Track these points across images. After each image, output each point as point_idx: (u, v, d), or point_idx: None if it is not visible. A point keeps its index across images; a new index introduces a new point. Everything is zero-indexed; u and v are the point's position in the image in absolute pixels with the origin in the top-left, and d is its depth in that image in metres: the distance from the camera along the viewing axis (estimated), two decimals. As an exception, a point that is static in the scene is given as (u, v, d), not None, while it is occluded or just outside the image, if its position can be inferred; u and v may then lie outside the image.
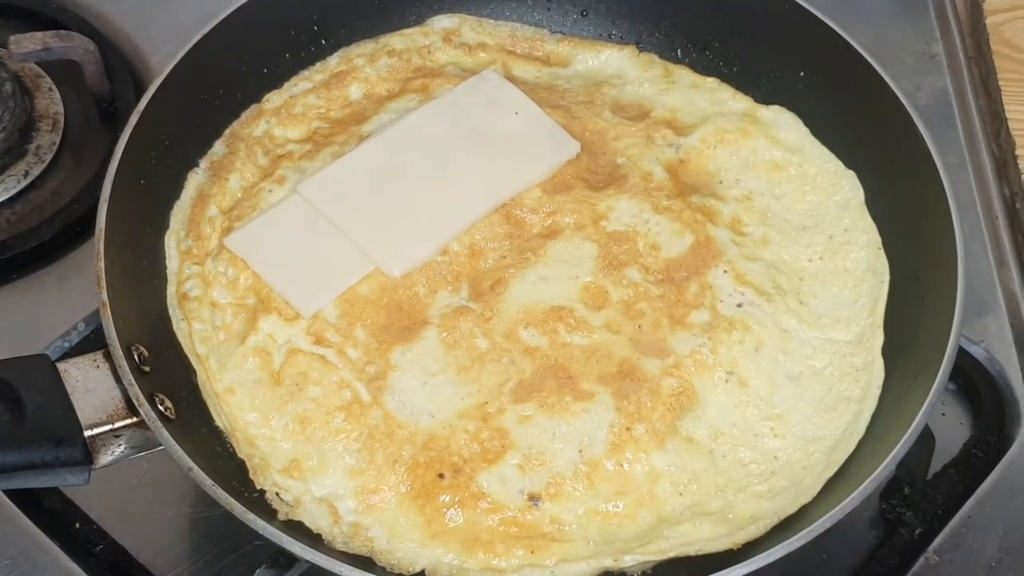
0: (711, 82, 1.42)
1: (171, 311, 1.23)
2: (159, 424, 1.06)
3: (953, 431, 1.39)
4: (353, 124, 1.35)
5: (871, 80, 1.31)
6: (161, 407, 1.09)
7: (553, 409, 1.15)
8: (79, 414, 1.06)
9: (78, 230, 1.46)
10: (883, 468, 1.06)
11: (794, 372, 1.20)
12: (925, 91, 1.65)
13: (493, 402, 1.16)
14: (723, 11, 1.43)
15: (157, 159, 1.27)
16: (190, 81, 1.30)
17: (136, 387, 1.07)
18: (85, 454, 1.06)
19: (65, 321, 1.38)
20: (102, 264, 1.14)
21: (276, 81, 1.39)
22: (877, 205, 1.31)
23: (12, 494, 1.26)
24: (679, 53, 1.46)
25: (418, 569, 1.09)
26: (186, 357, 1.20)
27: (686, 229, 1.27)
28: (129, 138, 1.22)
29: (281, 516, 1.10)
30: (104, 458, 1.09)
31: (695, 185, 1.32)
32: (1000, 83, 1.62)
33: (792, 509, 1.12)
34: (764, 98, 1.40)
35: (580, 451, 1.14)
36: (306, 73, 1.41)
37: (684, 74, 1.43)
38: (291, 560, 1.13)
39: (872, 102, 1.31)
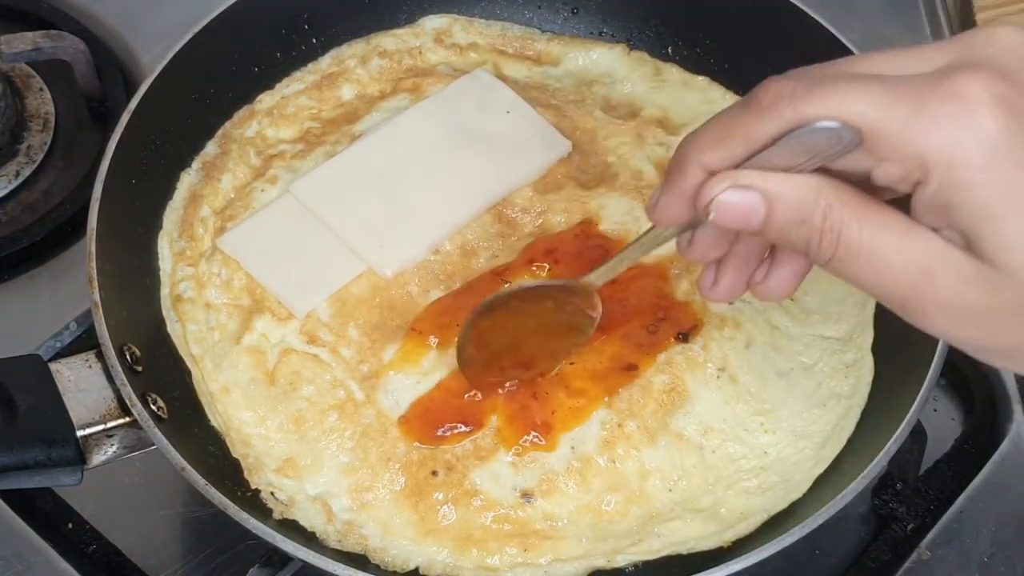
0: (702, 80, 1.42)
1: (164, 313, 1.22)
2: (152, 424, 1.06)
3: (945, 427, 1.39)
4: (345, 124, 1.35)
5: (861, 77, 1.31)
6: (154, 407, 1.09)
7: (545, 406, 1.16)
8: (71, 414, 1.06)
9: (69, 230, 1.46)
10: (875, 464, 1.07)
11: (784, 368, 1.20)
12: (915, 88, 1.65)
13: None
14: (714, 8, 1.42)
15: (149, 159, 1.27)
16: (181, 81, 1.29)
17: (128, 387, 1.07)
18: (78, 454, 1.06)
19: (57, 321, 1.38)
20: (94, 264, 1.14)
21: (268, 81, 1.39)
22: (868, 202, 1.31)
23: (4, 494, 1.26)
24: (670, 51, 1.46)
25: (412, 567, 1.09)
26: (179, 357, 1.19)
27: (677, 227, 1.27)
28: (120, 138, 1.22)
29: (275, 515, 1.10)
30: (97, 458, 1.09)
31: (686, 183, 1.32)
32: (990, 80, 1.62)
33: (782, 505, 1.12)
34: (754, 96, 1.40)
35: (572, 447, 1.14)
36: (298, 74, 1.41)
37: (675, 72, 1.43)
38: (285, 559, 1.13)
39: (862, 99, 1.31)
